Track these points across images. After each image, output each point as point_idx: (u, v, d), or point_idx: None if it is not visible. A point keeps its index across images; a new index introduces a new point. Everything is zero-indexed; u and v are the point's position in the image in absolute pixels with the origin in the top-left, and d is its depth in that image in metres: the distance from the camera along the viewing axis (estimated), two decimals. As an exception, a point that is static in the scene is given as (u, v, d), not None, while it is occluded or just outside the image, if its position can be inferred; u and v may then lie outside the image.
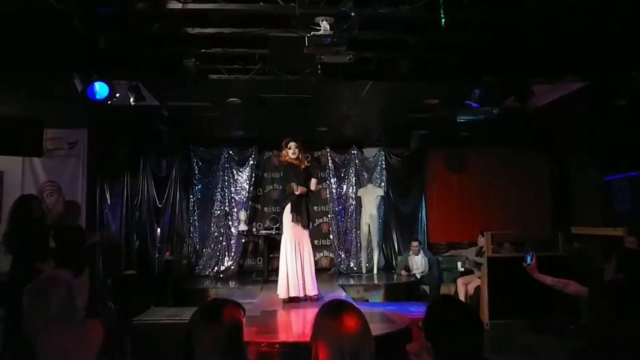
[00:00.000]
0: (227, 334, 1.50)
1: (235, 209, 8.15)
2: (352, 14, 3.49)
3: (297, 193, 5.09)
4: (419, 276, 7.20)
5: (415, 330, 3.61)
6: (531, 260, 2.79)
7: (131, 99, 4.83)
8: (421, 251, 7.38)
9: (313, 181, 5.27)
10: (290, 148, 5.16)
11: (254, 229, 8.11)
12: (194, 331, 1.51)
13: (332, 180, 8.41)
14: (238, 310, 1.58)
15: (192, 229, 8.13)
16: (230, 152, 8.29)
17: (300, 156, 5.20)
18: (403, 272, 7.30)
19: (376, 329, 3.79)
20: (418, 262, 7.29)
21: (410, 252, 7.42)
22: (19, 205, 3.56)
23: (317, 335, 1.48)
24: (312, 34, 3.63)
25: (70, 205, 5.35)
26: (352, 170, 8.47)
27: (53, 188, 7.11)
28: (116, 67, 4.46)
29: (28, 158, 6.83)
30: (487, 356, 1.64)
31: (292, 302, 5.01)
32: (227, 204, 8.19)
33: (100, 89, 4.51)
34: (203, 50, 4.37)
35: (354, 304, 1.88)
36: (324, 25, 3.63)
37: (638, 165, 7.54)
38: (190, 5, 3.62)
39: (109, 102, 4.63)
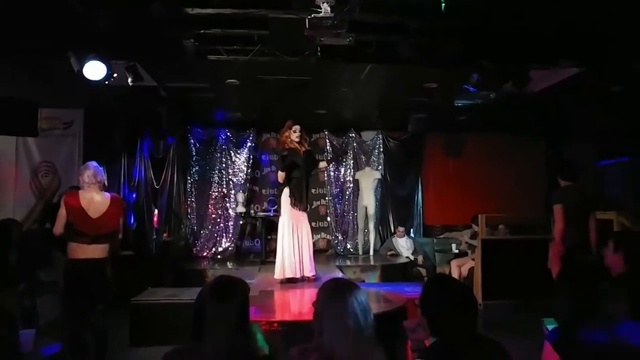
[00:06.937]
0: (238, 310, 1.52)
1: (233, 191, 8.17)
2: (353, -4, 3.48)
3: (280, 182, 5.22)
4: (405, 254, 7.67)
5: (411, 308, 3.70)
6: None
7: (129, 79, 4.81)
8: (405, 235, 7.94)
9: (322, 164, 5.75)
10: (295, 131, 5.17)
11: (252, 211, 8.14)
12: (205, 309, 1.51)
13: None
14: (245, 287, 1.62)
15: (189, 211, 8.15)
16: (228, 133, 8.27)
17: (301, 140, 5.23)
18: (388, 253, 7.79)
19: (373, 307, 3.86)
20: (402, 244, 7.81)
21: (395, 236, 7.96)
22: None
23: (321, 313, 1.52)
24: (312, 15, 3.62)
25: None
26: (350, 153, 8.50)
27: (48, 168, 7.06)
28: (114, 47, 4.43)
29: (22, 138, 6.75)
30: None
31: (290, 282, 5.09)
32: (224, 186, 8.21)
33: (98, 68, 4.48)
34: (202, 31, 4.33)
35: (353, 282, 1.94)
36: (325, 7, 3.62)
37: (630, 150, 7.63)
38: (190, -14, 3.59)
39: (107, 82, 4.60)
